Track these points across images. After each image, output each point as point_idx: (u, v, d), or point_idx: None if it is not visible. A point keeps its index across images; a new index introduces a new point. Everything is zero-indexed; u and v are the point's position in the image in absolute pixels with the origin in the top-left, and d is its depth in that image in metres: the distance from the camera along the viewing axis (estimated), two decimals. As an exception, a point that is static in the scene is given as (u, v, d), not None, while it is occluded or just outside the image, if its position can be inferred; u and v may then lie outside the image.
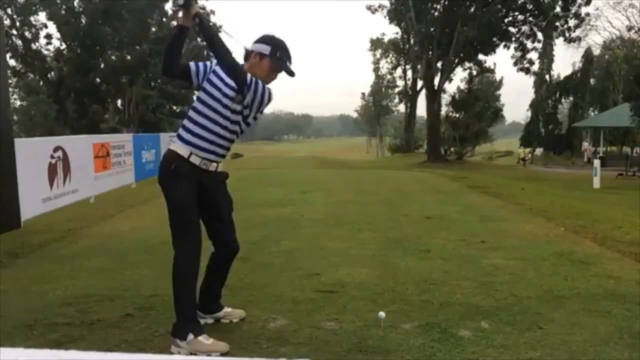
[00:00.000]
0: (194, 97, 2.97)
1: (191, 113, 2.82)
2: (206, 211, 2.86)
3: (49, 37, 27.91)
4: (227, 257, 3.03)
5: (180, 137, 2.79)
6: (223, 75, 2.78)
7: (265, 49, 2.80)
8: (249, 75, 2.74)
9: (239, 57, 2.88)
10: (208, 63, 2.91)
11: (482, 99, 35.78)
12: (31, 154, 6.32)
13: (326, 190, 9.83)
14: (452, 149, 34.95)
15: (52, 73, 28.11)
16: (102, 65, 27.68)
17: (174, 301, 2.71)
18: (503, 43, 32.26)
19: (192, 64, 2.87)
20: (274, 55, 2.80)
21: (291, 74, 2.86)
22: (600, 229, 5.86)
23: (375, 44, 48.69)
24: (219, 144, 2.79)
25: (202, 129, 2.76)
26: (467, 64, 34.78)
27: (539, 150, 36.85)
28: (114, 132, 22.99)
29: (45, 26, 27.74)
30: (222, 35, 2.79)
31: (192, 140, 2.75)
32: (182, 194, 2.71)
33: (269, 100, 2.85)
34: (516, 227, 6.00)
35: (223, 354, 2.60)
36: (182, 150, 2.75)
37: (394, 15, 34.46)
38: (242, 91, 2.74)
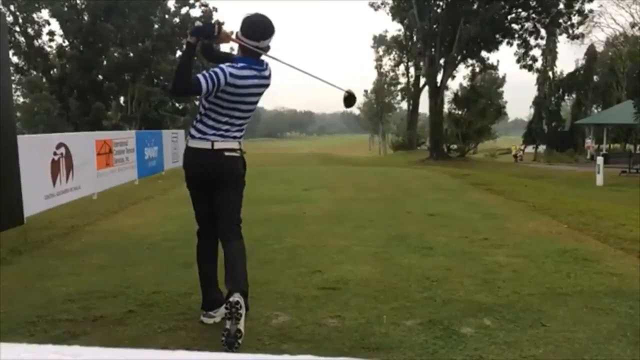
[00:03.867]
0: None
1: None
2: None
3: (51, 34, 27.91)
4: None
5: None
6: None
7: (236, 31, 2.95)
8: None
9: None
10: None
11: (484, 96, 35.53)
12: (34, 150, 6.32)
13: (329, 187, 9.82)
14: (454, 146, 34.85)
15: (55, 70, 28.11)
16: (105, 62, 27.67)
17: (245, 274, 2.86)
18: (506, 40, 32.13)
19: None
20: (237, 37, 2.93)
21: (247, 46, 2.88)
22: (603, 227, 5.85)
23: (378, 41, 48.61)
24: None
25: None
26: (469, 61, 34.66)
27: (542, 148, 36.73)
28: (117, 129, 23.02)
29: (48, 23, 27.77)
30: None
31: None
32: None
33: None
34: (519, 225, 5.99)
35: (225, 350, 2.60)
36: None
37: (397, 12, 34.36)
38: None
